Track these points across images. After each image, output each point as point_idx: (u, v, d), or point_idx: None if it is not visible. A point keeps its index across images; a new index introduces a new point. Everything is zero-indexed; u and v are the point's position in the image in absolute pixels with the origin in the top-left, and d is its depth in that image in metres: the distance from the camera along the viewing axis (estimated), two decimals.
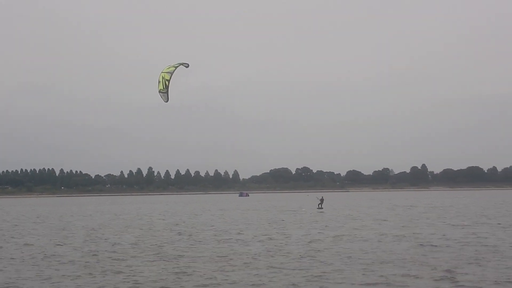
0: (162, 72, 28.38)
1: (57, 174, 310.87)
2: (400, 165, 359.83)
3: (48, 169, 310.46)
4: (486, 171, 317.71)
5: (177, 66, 28.27)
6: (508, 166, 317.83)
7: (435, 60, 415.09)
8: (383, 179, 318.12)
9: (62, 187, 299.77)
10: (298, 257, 25.75)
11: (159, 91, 28.34)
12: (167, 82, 28.03)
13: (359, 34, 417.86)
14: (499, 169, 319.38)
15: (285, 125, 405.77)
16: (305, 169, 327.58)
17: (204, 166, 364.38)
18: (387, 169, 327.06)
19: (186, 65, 28.57)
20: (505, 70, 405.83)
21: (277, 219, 55.48)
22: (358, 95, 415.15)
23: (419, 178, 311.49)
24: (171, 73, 28.10)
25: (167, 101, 28.74)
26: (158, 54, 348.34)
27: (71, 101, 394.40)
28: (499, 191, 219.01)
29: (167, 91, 28.25)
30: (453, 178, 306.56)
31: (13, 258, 27.20)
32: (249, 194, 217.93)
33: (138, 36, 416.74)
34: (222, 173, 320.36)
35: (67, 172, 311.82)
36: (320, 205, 74.90)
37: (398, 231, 37.99)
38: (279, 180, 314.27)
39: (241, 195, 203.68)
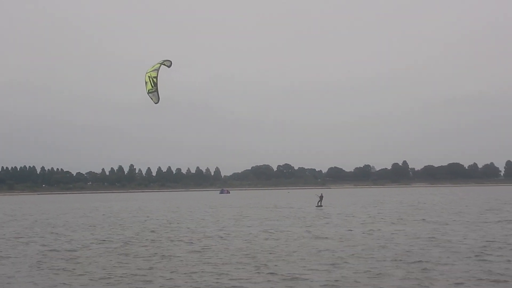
0: (147, 73, 26.77)
1: (38, 172, 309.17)
2: (381, 162, 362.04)
3: (29, 166, 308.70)
4: (466, 168, 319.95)
5: (162, 63, 26.70)
6: (489, 163, 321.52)
7: (422, 61, 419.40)
8: (364, 176, 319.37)
9: (44, 185, 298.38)
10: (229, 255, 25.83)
11: (148, 92, 26.50)
12: (154, 79, 26.32)
13: (342, 35, 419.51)
14: (480, 165, 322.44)
15: (267, 123, 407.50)
16: (287, 166, 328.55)
17: (186, 163, 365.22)
18: (369, 165, 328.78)
19: (169, 63, 26.88)
20: (493, 70, 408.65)
21: (244, 215, 55.79)
22: (339, 96, 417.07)
23: (400, 174, 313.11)
24: (157, 70, 26.47)
25: (157, 102, 26.78)
26: (156, 53, 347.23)
27: (54, 99, 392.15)
28: (479, 188, 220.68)
29: (157, 89, 26.47)
30: (434, 175, 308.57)
31: None
32: (231, 191, 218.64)
33: (135, 35, 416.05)
34: (204, 170, 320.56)
35: (48, 169, 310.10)
36: (319, 202, 71.65)
37: (363, 228, 38.43)
38: (261, 177, 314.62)
39: (222, 192, 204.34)
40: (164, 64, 26.71)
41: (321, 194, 74.81)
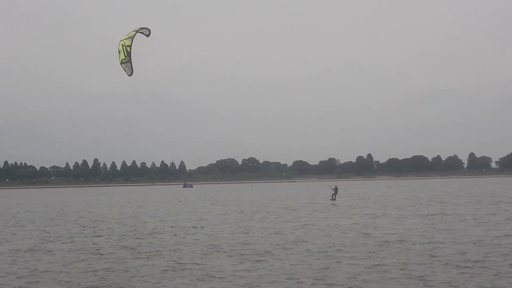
0: (121, 40, 24.47)
1: (1, 167, 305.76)
2: (346, 155, 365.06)
3: None
4: (430, 160, 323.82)
5: (138, 31, 24.47)
6: (452, 155, 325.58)
7: (387, 58, 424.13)
8: (329, 169, 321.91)
9: (7, 179, 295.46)
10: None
11: (121, 62, 24.30)
12: (128, 49, 24.13)
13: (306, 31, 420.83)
14: (443, 158, 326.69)
15: (232, 116, 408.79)
16: (252, 160, 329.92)
17: (151, 157, 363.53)
18: (333, 159, 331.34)
19: (147, 31, 24.72)
20: (460, 67, 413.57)
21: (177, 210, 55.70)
22: (304, 90, 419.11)
23: (364, 167, 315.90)
24: (132, 38, 24.21)
25: (131, 74, 24.48)
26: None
27: (13, 87, 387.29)
28: (442, 180, 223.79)
29: (130, 59, 24.22)
30: (398, 167, 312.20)
31: None
32: (196, 185, 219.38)
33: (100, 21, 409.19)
34: (169, 164, 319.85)
35: (11, 164, 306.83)
36: (333, 196, 64.88)
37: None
38: (226, 171, 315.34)
39: (185, 186, 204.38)
40: (142, 33, 24.74)
41: (335, 186, 67.65)
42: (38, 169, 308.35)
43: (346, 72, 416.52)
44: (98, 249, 26.87)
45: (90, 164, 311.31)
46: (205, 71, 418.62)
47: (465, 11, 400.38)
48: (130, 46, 24.10)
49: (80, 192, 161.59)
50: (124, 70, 24.45)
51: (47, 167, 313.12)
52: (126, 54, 24.18)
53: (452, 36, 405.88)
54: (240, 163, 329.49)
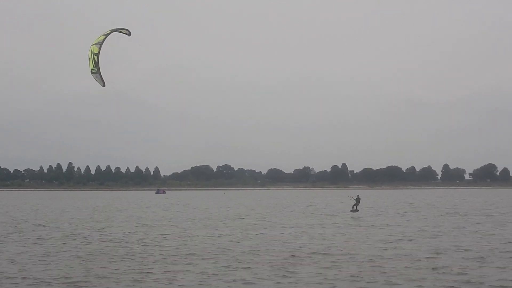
0: (91, 45, 21.97)
1: None
2: (321, 164, 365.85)
3: None
4: (404, 171, 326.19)
5: (109, 33, 22.09)
6: (426, 166, 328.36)
7: (361, 66, 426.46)
8: (304, 177, 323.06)
9: None
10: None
11: (91, 71, 22.04)
12: (95, 58, 21.68)
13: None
14: (418, 169, 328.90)
15: (207, 122, 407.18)
16: (226, 167, 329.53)
17: (125, 161, 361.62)
18: (308, 167, 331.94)
19: (127, 32, 22.60)
20: (435, 77, 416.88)
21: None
22: (281, 98, 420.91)
23: (339, 177, 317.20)
24: (100, 44, 21.78)
25: (104, 86, 22.45)
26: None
27: None
28: (414, 190, 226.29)
29: (99, 69, 21.93)
30: (373, 177, 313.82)
31: None
32: (168, 191, 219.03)
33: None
34: (143, 170, 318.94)
35: None
36: (355, 206, 58.84)
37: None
38: (200, 177, 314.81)
39: (157, 192, 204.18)
40: (122, 31, 22.77)
41: (358, 195, 61.05)
42: (12, 171, 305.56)
43: (322, 81, 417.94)
44: None
45: (64, 167, 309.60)
46: (180, 75, 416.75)
47: (443, 26, 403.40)
48: (97, 55, 21.96)
49: (45, 196, 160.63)
50: (95, 79, 22.43)
51: (21, 169, 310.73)
52: (94, 64, 22.03)
53: (428, 49, 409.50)
54: (214, 169, 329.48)
